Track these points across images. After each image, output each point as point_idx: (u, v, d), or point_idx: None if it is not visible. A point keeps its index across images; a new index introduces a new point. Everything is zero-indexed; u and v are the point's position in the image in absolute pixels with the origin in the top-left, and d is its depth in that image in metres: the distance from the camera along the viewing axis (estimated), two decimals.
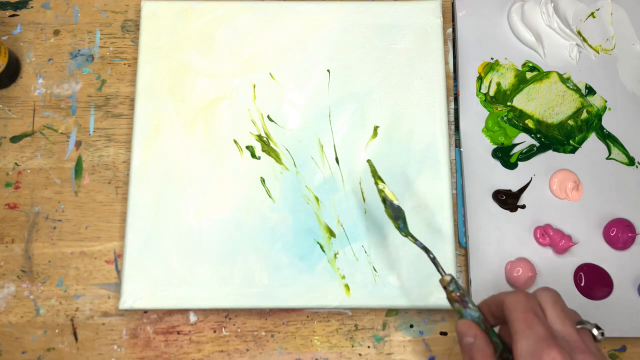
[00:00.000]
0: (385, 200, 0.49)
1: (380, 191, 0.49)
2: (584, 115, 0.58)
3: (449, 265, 0.53)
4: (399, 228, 0.49)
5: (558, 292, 0.41)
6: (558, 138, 0.58)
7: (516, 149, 0.57)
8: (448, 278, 0.43)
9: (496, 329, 0.43)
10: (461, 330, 0.41)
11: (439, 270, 0.45)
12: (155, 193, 0.55)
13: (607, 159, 0.57)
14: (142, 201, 0.54)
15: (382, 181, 0.49)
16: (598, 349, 0.39)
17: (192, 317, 0.54)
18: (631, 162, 0.57)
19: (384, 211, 0.49)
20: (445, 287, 0.43)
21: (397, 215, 0.48)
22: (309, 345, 0.54)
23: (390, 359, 0.53)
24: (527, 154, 0.57)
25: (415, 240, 0.48)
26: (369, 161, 0.51)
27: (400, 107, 0.57)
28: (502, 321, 0.42)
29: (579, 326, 0.39)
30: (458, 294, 0.43)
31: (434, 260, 0.46)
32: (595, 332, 0.39)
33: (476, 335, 0.41)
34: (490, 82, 0.59)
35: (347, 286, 0.53)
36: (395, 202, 0.48)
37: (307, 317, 0.54)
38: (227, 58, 0.58)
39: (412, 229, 0.54)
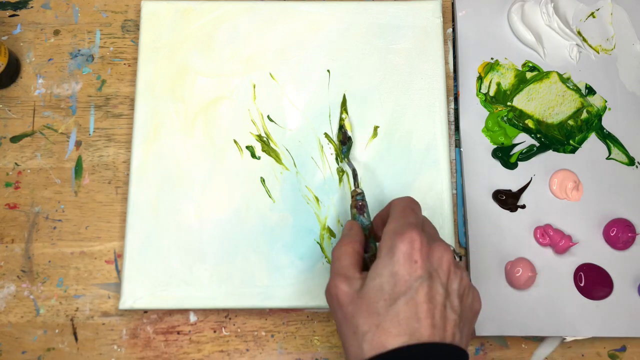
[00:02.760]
0: (341, 127, 0.56)
1: (341, 119, 0.55)
2: (584, 115, 0.58)
3: None
4: (340, 151, 0.55)
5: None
6: (558, 138, 0.58)
7: (516, 149, 0.57)
8: (359, 190, 0.50)
9: None
10: (345, 226, 0.47)
11: (355, 183, 0.52)
12: (155, 193, 0.55)
13: (607, 159, 0.57)
14: (142, 201, 0.54)
15: (347, 113, 0.56)
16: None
17: (192, 317, 0.54)
18: (631, 162, 0.57)
19: (337, 135, 0.56)
20: (353, 197, 0.49)
21: (344, 141, 0.55)
22: (309, 345, 0.54)
23: None
24: (527, 154, 0.57)
25: (348, 162, 0.54)
26: (344, 95, 0.57)
27: (400, 107, 0.57)
28: None
29: None
30: (360, 203, 0.49)
31: (355, 177, 0.52)
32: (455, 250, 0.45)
33: (352, 228, 0.46)
34: (490, 82, 0.59)
35: None
36: (349, 132, 0.56)
37: (307, 317, 0.54)
38: (227, 58, 0.58)
39: None
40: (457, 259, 0.43)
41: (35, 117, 0.59)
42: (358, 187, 0.51)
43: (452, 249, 0.42)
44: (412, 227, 0.40)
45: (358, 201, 0.49)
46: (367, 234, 0.47)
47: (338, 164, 0.55)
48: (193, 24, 0.59)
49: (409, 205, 0.44)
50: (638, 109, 0.58)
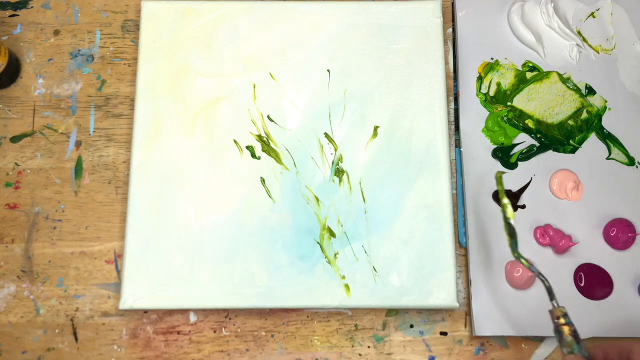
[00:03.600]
0: (506, 218, 0.49)
1: (504, 205, 0.49)
2: (584, 115, 0.58)
3: (449, 266, 0.53)
4: (511, 246, 0.48)
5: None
6: (558, 138, 0.58)
7: (516, 149, 0.57)
8: (563, 310, 0.43)
9: None
10: None
11: (552, 301, 0.45)
12: (155, 193, 0.55)
13: (607, 159, 0.57)
14: (142, 201, 0.54)
15: (508, 197, 0.49)
16: None
17: (192, 317, 0.54)
18: (631, 162, 0.57)
19: (503, 226, 0.49)
20: (558, 318, 0.43)
21: (511, 234, 0.48)
22: (309, 345, 0.54)
23: (390, 359, 0.53)
24: (527, 154, 0.57)
25: (529, 266, 0.47)
26: (498, 174, 0.51)
27: (400, 107, 0.57)
28: None
29: None
30: (573, 328, 0.42)
31: (549, 290, 0.45)
32: None
33: None
34: (490, 82, 0.59)
35: (347, 286, 0.53)
36: (511, 221, 0.48)
37: (307, 317, 0.54)
38: (227, 58, 0.58)
39: (412, 228, 0.54)
40: None
41: (35, 117, 0.59)
42: (558, 304, 0.43)
43: None
44: None
45: (570, 326, 0.42)
46: None
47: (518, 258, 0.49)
48: (193, 24, 0.59)
49: None
50: (638, 109, 0.58)
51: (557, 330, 0.43)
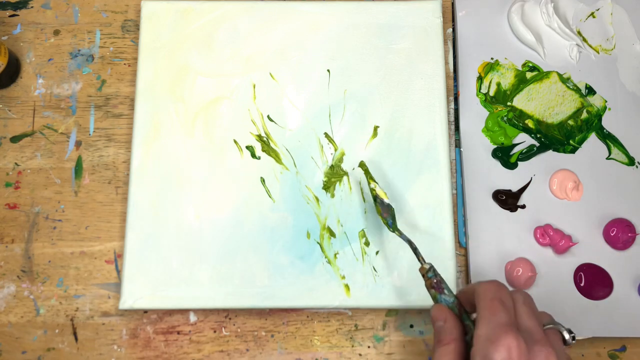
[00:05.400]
0: (376, 198, 0.52)
1: (372, 190, 0.52)
2: (584, 115, 0.58)
3: (449, 265, 0.53)
4: (387, 224, 0.51)
5: (531, 295, 0.42)
6: (558, 138, 0.58)
7: (516, 149, 0.57)
8: (427, 266, 0.45)
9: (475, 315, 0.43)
10: (434, 315, 0.43)
11: (419, 259, 0.47)
12: (155, 193, 0.55)
13: (607, 159, 0.57)
14: (142, 201, 0.54)
15: (374, 181, 0.52)
16: (562, 348, 0.39)
17: (192, 317, 0.54)
18: (631, 162, 0.57)
19: (374, 208, 0.52)
20: (423, 275, 0.46)
21: (386, 212, 0.51)
22: (309, 345, 0.54)
23: (390, 359, 0.53)
24: (527, 154, 0.57)
25: (400, 234, 0.50)
26: (362, 162, 0.54)
27: (400, 107, 0.57)
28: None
29: (549, 325, 0.40)
30: (435, 280, 0.45)
31: (415, 251, 0.48)
32: (566, 334, 0.40)
33: (446, 319, 0.42)
34: (490, 82, 0.59)
35: (347, 286, 0.53)
36: (386, 200, 0.51)
37: (307, 317, 0.54)
38: (227, 58, 0.58)
39: (412, 228, 0.54)
40: (571, 341, 0.40)
41: (35, 117, 0.59)
42: (424, 262, 0.46)
43: (561, 333, 0.39)
44: (505, 331, 0.36)
45: (432, 279, 0.44)
46: (457, 312, 0.43)
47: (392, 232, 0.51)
48: (193, 24, 0.59)
49: (497, 296, 0.39)
50: (638, 109, 0.58)
51: (425, 285, 0.45)
